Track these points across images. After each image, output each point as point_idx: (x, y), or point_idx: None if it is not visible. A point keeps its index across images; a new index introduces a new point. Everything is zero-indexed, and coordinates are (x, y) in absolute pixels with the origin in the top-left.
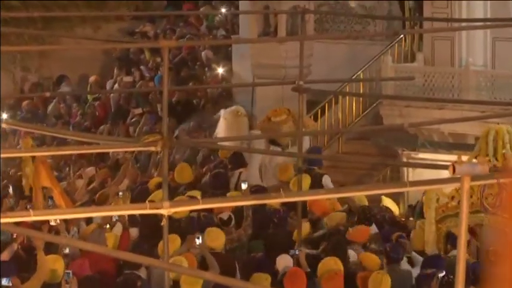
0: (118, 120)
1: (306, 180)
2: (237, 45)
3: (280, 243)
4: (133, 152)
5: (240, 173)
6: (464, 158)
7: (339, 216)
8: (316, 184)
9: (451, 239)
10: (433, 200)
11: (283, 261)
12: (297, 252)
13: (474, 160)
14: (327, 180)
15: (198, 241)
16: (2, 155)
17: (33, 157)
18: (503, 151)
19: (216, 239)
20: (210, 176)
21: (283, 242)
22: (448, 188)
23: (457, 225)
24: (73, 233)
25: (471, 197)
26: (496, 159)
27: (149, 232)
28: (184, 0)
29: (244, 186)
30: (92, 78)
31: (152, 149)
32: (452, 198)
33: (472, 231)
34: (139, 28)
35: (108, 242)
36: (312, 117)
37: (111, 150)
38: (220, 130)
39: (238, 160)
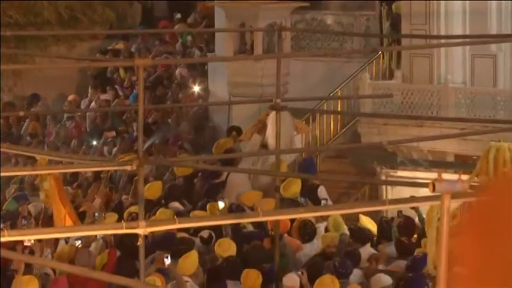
0: (94, 139)
1: (296, 184)
2: (213, 63)
3: (257, 260)
4: (108, 171)
5: (228, 175)
6: (445, 175)
7: (330, 237)
8: (312, 195)
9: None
10: (434, 218)
11: (290, 280)
12: (299, 273)
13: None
14: (322, 192)
15: (167, 261)
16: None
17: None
18: (504, 170)
19: (228, 249)
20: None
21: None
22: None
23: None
24: (46, 254)
25: (454, 217)
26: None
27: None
28: (159, 19)
29: (221, 204)
30: (70, 97)
31: (128, 168)
32: (454, 217)
33: None
34: (111, 45)
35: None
36: None
37: (87, 170)
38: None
39: (227, 160)
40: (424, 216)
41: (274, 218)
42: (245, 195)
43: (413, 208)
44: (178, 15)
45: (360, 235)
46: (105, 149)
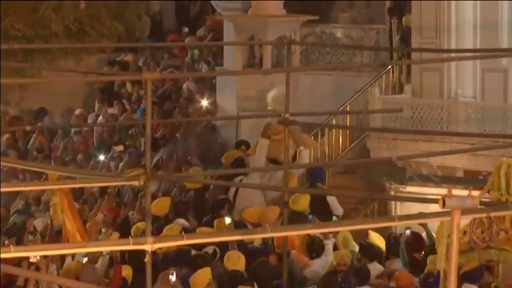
0: (101, 154)
1: (305, 197)
2: (222, 77)
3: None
4: (115, 186)
5: (240, 180)
6: (455, 191)
7: (340, 255)
8: (320, 201)
9: (464, 276)
10: (444, 235)
11: None
12: None
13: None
14: (332, 198)
15: (173, 278)
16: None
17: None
18: None
19: (237, 262)
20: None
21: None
22: (461, 223)
23: (469, 261)
24: (52, 270)
25: (465, 233)
26: (508, 193)
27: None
28: (168, 32)
29: (228, 220)
30: (77, 112)
31: (135, 183)
32: (465, 233)
33: (488, 268)
34: (120, 57)
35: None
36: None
37: (94, 185)
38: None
39: (239, 167)
40: (433, 232)
41: (282, 234)
42: (247, 211)
43: (421, 224)
44: (186, 29)
45: (369, 251)
46: (112, 164)
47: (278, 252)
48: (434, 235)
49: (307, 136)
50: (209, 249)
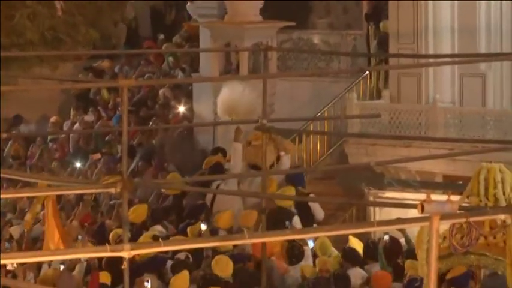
0: (77, 161)
1: (290, 192)
2: (198, 83)
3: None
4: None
5: (218, 186)
6: (434, 196)
7: (322, 261)
8: (302, 205)
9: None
10: (424, 240)
11: None
12: None
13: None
14: (315, 206)
15: (148, 284)
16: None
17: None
18: (495, 191)
19: (225, 269)
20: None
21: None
22: (441, 228)
23: (450, 267)
24: (29, 278)
25: (444, 238)
26: (487, 198)
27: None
28: (143, 39)
29: (204, 227)
30: (52, 119)
31: (112, 190)
32: (444, 238)
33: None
34: (97, 63)
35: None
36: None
37: (69, 192)
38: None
39: (217, 172)
40: (412, 237)
41: (260, 240)
42: (219, 217)
43: (400, 229)
44: (162, 36)
45: (351, 256)
46: (89, 171)
47: (256, 259)
48: (413, 240)
49: (288, 141)
50: (181, 255)
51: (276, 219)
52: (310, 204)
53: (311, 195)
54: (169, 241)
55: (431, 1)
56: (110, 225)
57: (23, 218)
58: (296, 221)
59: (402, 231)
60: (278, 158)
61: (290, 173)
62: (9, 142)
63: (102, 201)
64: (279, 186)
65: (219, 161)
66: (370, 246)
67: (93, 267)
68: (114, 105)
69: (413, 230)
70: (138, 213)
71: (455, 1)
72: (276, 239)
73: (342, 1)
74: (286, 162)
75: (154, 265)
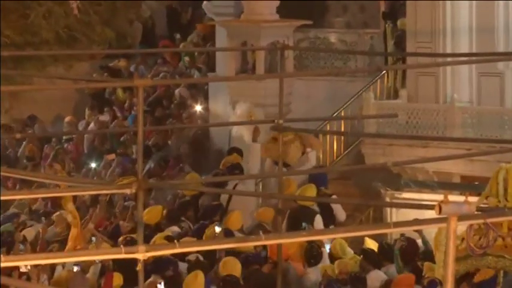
0: (92, 161)
1: (311, 190)
2: (214, 83)
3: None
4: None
5: (235, 186)
6: (451, 197)
7: (343, 263)
8: (324, 206)
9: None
10: (442, 242)
11: None
12: None
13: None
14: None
15: (161, 287)
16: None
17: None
18: None
19: (233, 269)
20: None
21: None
22: (459, 229)
23: (468, 269)
24: (43, 280)
25: (462, 240)
26: (506, 199)
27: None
28: (160, 38)
29: (218, 229)
30: (67, 119)
31: (127, 191)
32: (462, 240)
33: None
34: (113, 63)
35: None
36: None
37: (85, 193)
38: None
39: (235, 172)
40: (428, 239)
41: (276, 242)
42: (228, 219)
43: (416, 231)
44: (178, 36)
45: (372, 258)
46: (104, 172)
47: (273, 261)
48: (430, 241)
49: (314, 137)
50: (192, 257)
51: (297, 218)
52: (332, 205)
53: (333, 196)
54: (185, 242)
55: (449, 0)
56: (125, 226)
57: (37, 220)
58: (318, 220)
59: (419, 232)
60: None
61: (306, 172)
62: (24, 143)
63: (117, 202)
64: (300, 185)
65: (237, 161)
66: (385, 248)
67: (107, 268)
68: (130, 105)
69: (430, 231)
70: (152, 214)
71: (474, 0)
72: (291, 240)
73: (358, 0)
74: (312, 158)
75: (161, 266)
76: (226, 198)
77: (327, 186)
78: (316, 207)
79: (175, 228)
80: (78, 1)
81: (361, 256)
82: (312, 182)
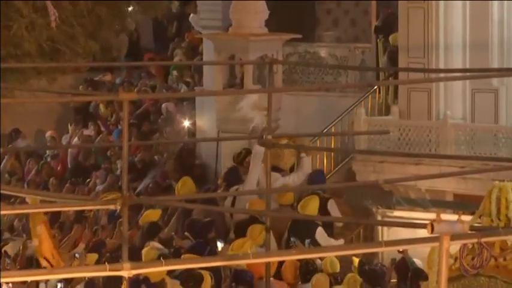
0: (76, 177)
1: (315, 201)
2: (201, 97)
3: None
4: (91, 211)
5: (237, 190)
6: (444, 216)
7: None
8: (322, 209)
9: None
10: (435, 261)
11: None
12: None
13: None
14: (332, 206)
15: None
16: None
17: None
18: (507, 211)
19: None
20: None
21: None
22: (452, 249)
23: None
24: None
25: (456, 259)
26: (499, 218)
27: None
28: (145, 50)
29: (220, 245)
30: (48, 134)
31: (111, 207)
32: (456, 259)
33: None
34: (98, 77)
35: None
36: None
37: (68, 209)
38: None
39: (233, 177)
40: (414, 259)
41: (266, 260)
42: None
43: (401, 252)
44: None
45: (373, 277)
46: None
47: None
48: (415, 261)
49: (309, 142)
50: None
51: (300, 228)
52: (330, 208)
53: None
54: (171, 260)
55: (443, 14)
56: (111, 243)
57: (20, 236)
58: (320, 232)
59: (404, 252)
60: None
61: (295, 190)
62: (5, 157)
63: (100, 218)
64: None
65: (234, 166)
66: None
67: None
68: (116, 119)
69: (423, 250)
70: (151, 218)
71: (468, 14)
72: (280, 258)
73: (349, 13)
74: (307, 164)
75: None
76: (230, 203)
77: (325, 190)
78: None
79: (157, 245)
80: (57, 15)
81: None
82: (310, 180)
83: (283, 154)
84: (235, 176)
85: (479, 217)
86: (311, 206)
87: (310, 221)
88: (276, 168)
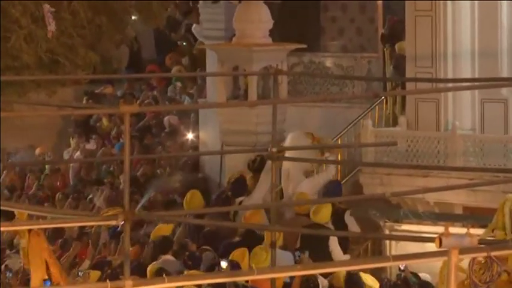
0: (79, 192)
1: (327, 208)
2: (204, 110)
3: None
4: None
5: (241, 202)
6: (453, 229)
7: None
8: (338, 220)
9: None
10: (446, 276)
11: None
12: None
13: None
14: (349, 218)
15: None
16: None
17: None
18: None
19: None
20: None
21: None
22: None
23: None
24: None
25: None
26: None
27: None
28: (147, 62)
29: (224, 264)
30: (37, 150)
31: (113, 223)
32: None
33: None
34: (99, 89)
35: None
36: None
37: (69, 225)
38: None
39: (240, 187)
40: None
41: (270, 276)
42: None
43: (402, 270)
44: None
45: None
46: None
47: None
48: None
49: (331, 141)
50: None
51: (311, 237)
52: (347, 220)
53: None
54: (174, 277)
55: (451, 22)
56: (115, 260)
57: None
58: (333, 240)
59: (405, 270)
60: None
61: (300, 203)
62: (4, 172)
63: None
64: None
65: (241, 176)
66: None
67: None
68: (118, 132)
69: (434, 265)
70: (163, 232)
71: (476, 22)
72: (285, 274)
73: (355, 22)
74: (332, 165)
75: None
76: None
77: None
78: (331, 225)
79: (168, 257)
80: (54, 23)
81: None
82: (326, 195)
83: (308, 154)
84: (241, 186)
85: (492, 231)
86: (323, 213)
87: (324, 227)
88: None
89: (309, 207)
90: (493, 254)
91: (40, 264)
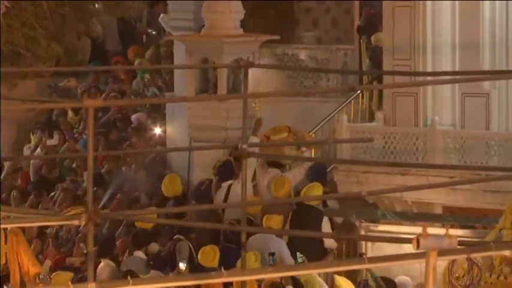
0: (39, 190)
1: (318, 189)
2: (172, 104)
3: None
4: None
5: (230, 186)
6: (431, 230)
7: None
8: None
9: None
10: (445, 275)
11: None
12: None
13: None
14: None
15: None
16: None
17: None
18: None
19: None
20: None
21: None
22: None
23: None
24: None
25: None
26: None
27: None
28: (111, 53)
29: (182, 266)
30: None
31: (75, 222)
32: (468, 271)
33: None
34: (63, 82)
35: None
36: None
37: (30, 225)
38: None
39: (227, 171)
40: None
41: (240, 279)
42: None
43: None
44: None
45: None
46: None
47: None
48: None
49: (309, 136)
50: None
51: (303, 219)
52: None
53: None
54: (139, 280)
55: (430, 12)
56: (73, 261)
57: None
58: (326, 221)
59: (369, 270)
60: None
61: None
62: None
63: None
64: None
65: (228, 160)
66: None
67: None
68: (83, 127)
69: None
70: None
71: (457, 13)
72: (256, 276)
73: (330, 13)
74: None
75: None
76: (222, 199)
77: (325, 181)
78: (321, 207)
79: (139, 253)
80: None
81: None
82: (310, 176)
83: (283, 149)
84: (229, 170)
85: (500, 231)
86: (314, 194)
87: (315, 208)
88: (275, 164)
89: (289, 192)
90: (472, 255)
91: (17, 264)
